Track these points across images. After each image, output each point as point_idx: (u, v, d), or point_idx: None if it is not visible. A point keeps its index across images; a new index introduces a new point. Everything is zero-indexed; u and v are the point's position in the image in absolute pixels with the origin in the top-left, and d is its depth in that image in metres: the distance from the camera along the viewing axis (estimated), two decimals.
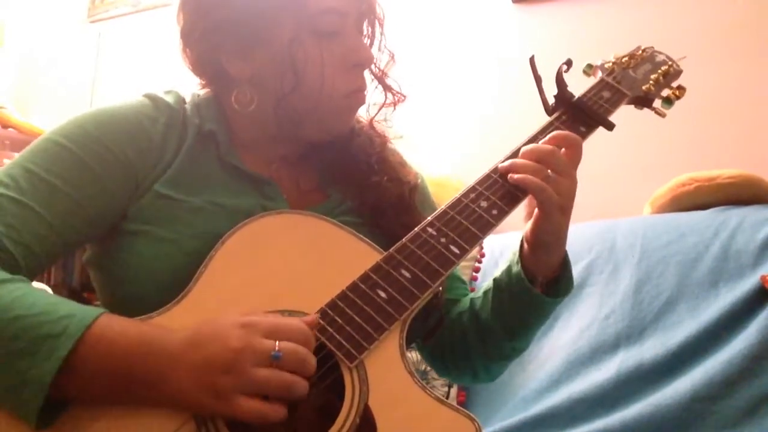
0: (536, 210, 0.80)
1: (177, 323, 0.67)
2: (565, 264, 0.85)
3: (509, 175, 0.79)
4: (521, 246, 0.84)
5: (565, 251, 0.85)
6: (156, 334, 0.64)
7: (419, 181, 0.93)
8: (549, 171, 0.78)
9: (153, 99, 0.84)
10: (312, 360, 0.63)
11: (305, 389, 0.63)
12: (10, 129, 2.73)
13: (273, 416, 0.61)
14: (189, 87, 0.90)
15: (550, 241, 0.81)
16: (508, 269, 0.85)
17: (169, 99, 0.85)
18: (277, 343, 0.62)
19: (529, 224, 0.82)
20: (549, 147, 0.80)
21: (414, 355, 1.54)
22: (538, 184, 0.77)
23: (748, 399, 1.18)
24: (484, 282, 0.95)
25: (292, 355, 0.62)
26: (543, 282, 0.84)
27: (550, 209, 0.78)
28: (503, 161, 0.81)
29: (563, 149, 0.81)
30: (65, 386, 0.61)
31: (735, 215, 1.44)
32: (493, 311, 0.86)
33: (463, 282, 1.00)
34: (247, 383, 0.61)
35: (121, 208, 0.78)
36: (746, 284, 1.31)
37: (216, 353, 0.61)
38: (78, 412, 0.63)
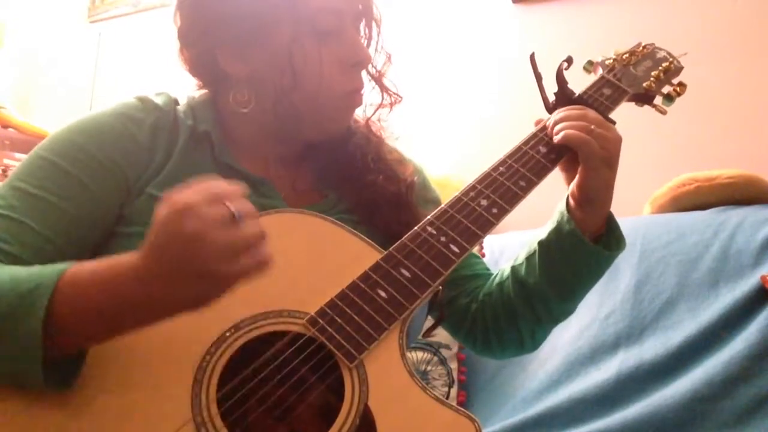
0: (580, 168, 0.81)
1: (176, 322, 0.67)
2: (610, 220, 0.86)
3: (554, 132, 0.81)
4: (567, 205, 0.85)
5: (610, 212, 0.85)
6: (123, 259, 0.60)
7: (417, 178, 0.93)
8: (592, 126, 0.80)
9: (142, 100, 0.85)
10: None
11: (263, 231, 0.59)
12: (10, 129, 2.73)
13: (267, 260, 0.58)
14: (188, 87, 0.90)
15: (599, 194, 0.82)
16: (557, 229, 0.85)
17: (159, 100, 0.85)
18: (227, 203, 0.58)
19: (574, 182, 0.83)
20: (587, 109, 0.83)
21: (413, 355, 1.55)
22: (581, 137, 0.78)
23: (748, 399, 1.18)
24: None
25: (248, 211, 0.59)
26: (590, 239, 0.84)
27: (594, 164, 0.79)
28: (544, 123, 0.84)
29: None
30: (59, 334, 0.60)
31: (735, 215, 1.44)
32: (543, 274, 0.86)
33: (479, 258, 1.00)
34: (227, 249, 0.56)
35: (114, 213, 0.78)
36: (746, 284, 1.31)
37: (178, 249, 0.57)
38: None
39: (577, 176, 0.82)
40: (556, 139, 0.81)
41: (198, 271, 0.57)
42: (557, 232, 0.85)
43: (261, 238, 0.59)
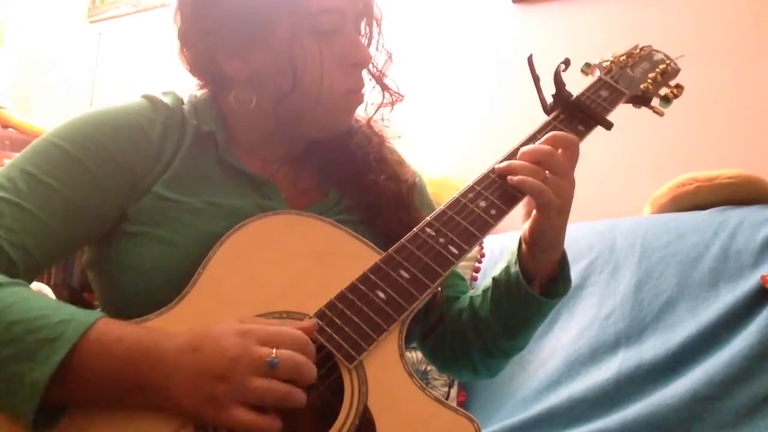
0: (534, 211, 0.80)
1: (176, 325, 0.67)
2: (563, 263, 0.85)
3: (508, 177, 0.79)
4: (519, 246, 0.84)
5: (564, 251, 0.84)
6: (153, 340, 0.64)
7: (417, 180, 0.93)
8: (547, 172, 0.78)
9: (151, 100, 0.84)
10: (311, 367, 0.63)
11: (303, 399, 0.62)
12: (10, 129, 2.73)
13: (268, 429, 0.61)
14: (189, 87, 0.90)
15: (549, 241, 0.81)
16: (507, 269, 0.85)
17: (167, 100, 0.85)
18: (273, 350, 0.61)
19: (527, 225, 0.82)
20: (547, 148, 0.79)
21: (413, 356, 1.54)
22: (537, 186, 0.76)
23: (748, 399, 1.18)
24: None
25: (289, 363, 0.62)
26: (541, 281, 0.84)
27: (548, 211, 0.78)
28: (500, 161, 0.81)
29: (560, 150, 0.81)
30: (62, 390, 0.61)
31: (735, 215, 1.44)
32: (491, 311, 0.86)
33: (463, 279, 1.00)
34: (242, 393, 0.60)
35: (119, 210, 0.78)
36: (746, 284, 1.30)
37: (211, 360, 0.61)
38: (76, 416, 0.62)
39: (530, 221, 0.81)
40: (511, 182, 0.78)
41: (207, 390, 0.60)
42: (506, 273, 0.85)
43: (280, 400, 0.61)
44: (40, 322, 0.63)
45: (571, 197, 0.80)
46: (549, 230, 0.80)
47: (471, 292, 0.93)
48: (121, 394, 0.62)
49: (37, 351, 0.61)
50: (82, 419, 0.62)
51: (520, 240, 0.84)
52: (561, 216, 0.79)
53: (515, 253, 0.84)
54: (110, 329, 0.64)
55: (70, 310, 0.66)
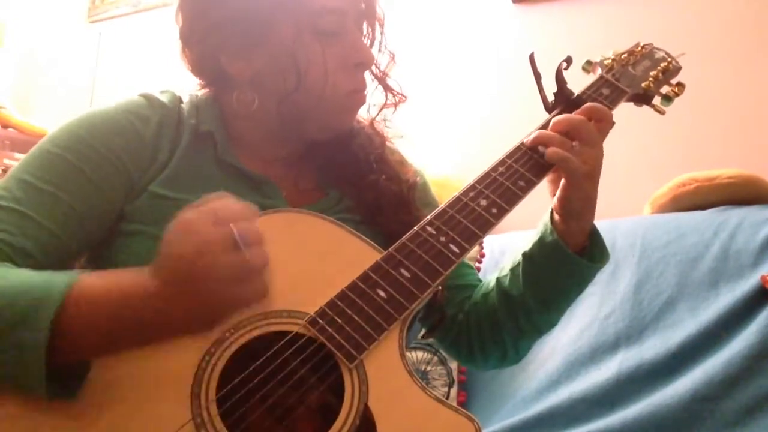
0: (563, 180, 0.81)
1: None
2: (593, 234, 0.86)
3: (539, 147, 0.81)
4: (551, 218, 0.85)
5: (593, 224, 0.85)
6: (132, 277, 0.64)
7: (418, 179, 0.93)
8: (574, 143, 0.80)
9: (147, 98, 0.85)
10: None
11: (266, 259, 0.63)
12: (10, 129, 2.73)
13: (265, 291, 0.62)
14: (189, 87, 0.90)
15: (580, 208, 0.82)
16: (540, 241, 0.85)
17: (164, 98, 0.86)
18: (232, 226, 0.61)
19: (557, 195, 0.83)
20: (579, 117, 0.82)
21: (413, 356, 1.55)
22: (561, 155, 0.78)
23: (748, 399, 1.18)
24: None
25: (250, 232, 0.62)
26: (573, 252, 0.84)
27: (576, 178, 0.80)
28: (528, 136, 0.83)
29: (593, 121, 0.82)
30: (64, 348, 0.61)
31: (735, 215, 1.44)
32: (526, 286, 0.86)
33: (472, 268, 1.00)
34: (226, 273, 0.60)
35: (117, 210, 0.78)
36: (746, 284, 1.31)
37: (182, 268, 0.61)
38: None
39: (559, 190, 0.82)
40: (546, 155, 0.80)
41: (199, 291, 0.60)
42: (540, 244, 0.85)
43: (261, 267, 0.61)
44: (24, 287, 0.63)
45: (600, 163, 0.82)
46: (579, 196, 0.81)
47: (493, 275, 0.93)
48: (122, 336, 0.63)
49: (28, 313, 0.61)
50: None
51: (550, 212, 0.85)
52: (590, 182, 0.81)
53: (548, 224, 0.85)
54: (92, 282, 0.65)
55: (51, 273, 0.66)
